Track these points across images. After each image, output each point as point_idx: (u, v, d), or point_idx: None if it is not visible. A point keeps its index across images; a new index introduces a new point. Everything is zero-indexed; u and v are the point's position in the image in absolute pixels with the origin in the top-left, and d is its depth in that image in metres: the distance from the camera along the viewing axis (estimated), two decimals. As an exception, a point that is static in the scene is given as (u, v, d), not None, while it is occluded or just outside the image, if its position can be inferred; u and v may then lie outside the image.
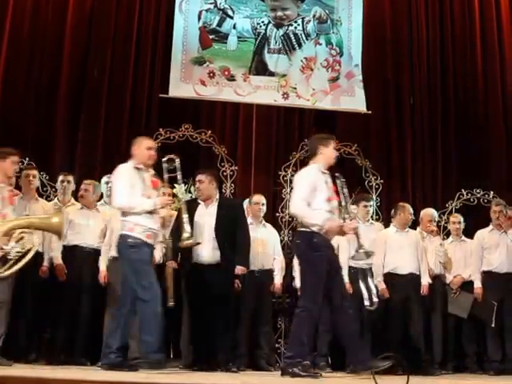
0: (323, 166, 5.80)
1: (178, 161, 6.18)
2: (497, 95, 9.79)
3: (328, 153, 5.83)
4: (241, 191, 8.62)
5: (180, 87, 9.12)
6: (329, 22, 9.67)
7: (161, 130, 8.57)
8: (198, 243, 6.24)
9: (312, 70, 9.41)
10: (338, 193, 5.92)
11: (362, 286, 7.14)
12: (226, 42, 9.42)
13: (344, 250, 6.97)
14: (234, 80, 9.25)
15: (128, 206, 5.69)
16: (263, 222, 7.53)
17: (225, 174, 8.49)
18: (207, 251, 6.40)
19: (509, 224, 7.59)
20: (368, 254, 6.04)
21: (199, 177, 6.65)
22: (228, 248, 6.45)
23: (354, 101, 9.32)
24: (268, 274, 7.32)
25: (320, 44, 9.56)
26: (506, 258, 7.44)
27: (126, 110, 9.14)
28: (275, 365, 7.39)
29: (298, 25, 9.61)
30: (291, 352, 5.44)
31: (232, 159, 8.70)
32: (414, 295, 7.16)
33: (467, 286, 7.47)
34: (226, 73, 9.25)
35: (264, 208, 7.52)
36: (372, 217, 7.88)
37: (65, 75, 9.04)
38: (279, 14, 9.62)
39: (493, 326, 7.23)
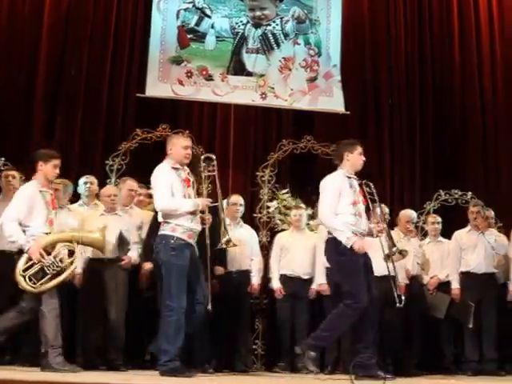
0: (349, 172, 5.95)
1: (215, 159, 6.16)
2: (475, 95, 9.83)
3: (354, 158, 5.96)
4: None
5: (157, 87, 9.06)
6: (307, 21, 9.66)
7: (138, 130, 8.51)
8: (235, 245, 6.20)
9: (290, 70, 9.39)
10: (366, 197, 6.11)
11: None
12: (204, 42, 9.39)
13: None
14: (211, 80, 9.20)
15: (170, 208, 5.60)
16: (241, 222, 7.48)
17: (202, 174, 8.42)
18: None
19: (486, 225, 7.61)
20: (403, 254, 6.10)
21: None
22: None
23: (332, 101, 9.32)
24: (245, 274, 7.27)
25: (298, 44, 9.55)
26: (484, 259, 7.45)
27: (103, 109, 9.05)
28: (252, 366, 7.36)
29: (277, 25, 9.59)
30: None
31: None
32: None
33: (444, 286, 7.47)
34: (204, 72, 9.21)
35: (242, 209, 7.47)
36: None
37: (41, 76, 8.94)
38: (258, 13, 9.59)
39: (470, 326, 7.23)
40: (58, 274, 5.61)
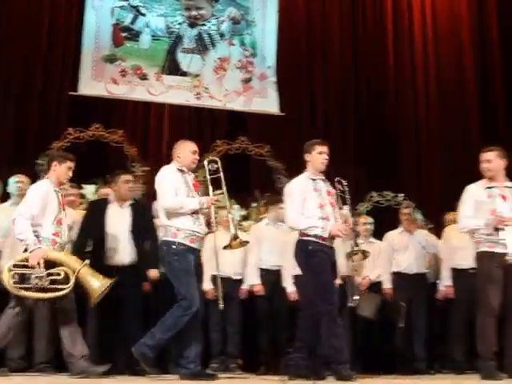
0: (313, 173, 5.83)
1: (219, 162, 5.97)
2: (408, 96, 9.98)
3: (313, 159, 5.84)
4: (152, 192, 8.47)
5: (91, 85, 8.96)
6: (243, 22, 9.67)
7: (70, 129, 8.38)
8: (247, 242, 6.03)
9: (225, 70, 9.40)
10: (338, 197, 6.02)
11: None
12: (138, 41, 9.35)
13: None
14: (146, 79, 9.15)
15: (174, 206, 5.49)
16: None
17: (136, 174, 8.34)
18: (123, 253, 6.30)
19: (415, 226, 7.72)
20: (365, 254, 6.17)
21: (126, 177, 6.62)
22: (142, 250, 6.38)
23: (267, 102, 9.36)
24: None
25: (234, 44, 9.56)
26: (415, 260, 7.54)
27: (35, 108, 8.87)
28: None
29: (213, 25, 9.58)
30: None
31: (143, 160, 8.57)
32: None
33: (375, 287, 7.54)
34: (139, 72, 9.14)
35: (179, 209, 7.41)
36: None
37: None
38: (193, 13, 9.56)
39: (401, 326, 7.32)
40: (41, 289, 5.43)
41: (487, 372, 5.69)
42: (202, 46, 9.43)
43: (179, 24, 9.49)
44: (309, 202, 5.74)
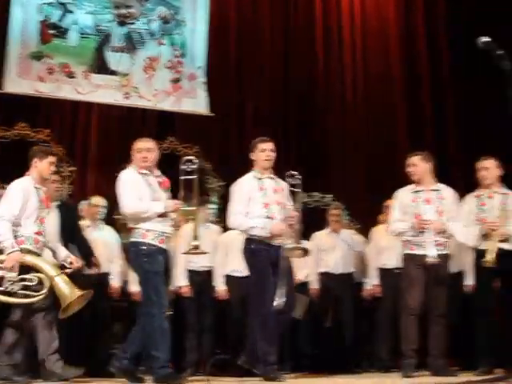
0: (258, 172, 5.89)
1: (196, 161, 5.70)
2: (336, 99, 10.06)
3: (257, 157, 5.93)
4: (79, 192, 8.38)
5: (17, 83, 8.77)
6: (173, 22, 9.62)
7: (-6, 128, 8.21)
8: (205, 253, 5.91)
9: (155, 70, 9.33)
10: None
11: None
12: (66, 38, 9.18)
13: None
14: (74, 77, 9.01)
15: (137, 211, 5.31)
16: (102, 224, 7.34)
17: (63, 174, 8.21)
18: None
19: (340, 226, 7.81)
20: (306, 252, 6.06)
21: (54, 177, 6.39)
22: (70, 251, 6.22)
23: (196, 102, 9.33)
24: (105, 277, 7.15)
25: (164, 44, 9.50)
26: (341, 259, 7.65)
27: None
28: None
29: (143, 23, 9.50)
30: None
31: (70, 159, 8.45)
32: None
33: (302, 287, 7.59)
34: (66, 69, 9.00)
35: (104, 210, 7.34)
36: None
37: None
38: (123, 11, 9.46)
39: (328, 325, 7.40)
40: (9, 294, 5.28)
41: (408, 370, 5.86)
42: (132, 44, 9.33)
43: (108, 22, 9.37)
44: (253, 201, 5.79)
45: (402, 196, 6.24)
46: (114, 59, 9.23)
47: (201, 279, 7.23)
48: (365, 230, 8.13)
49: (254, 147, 5.97)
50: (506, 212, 6.10)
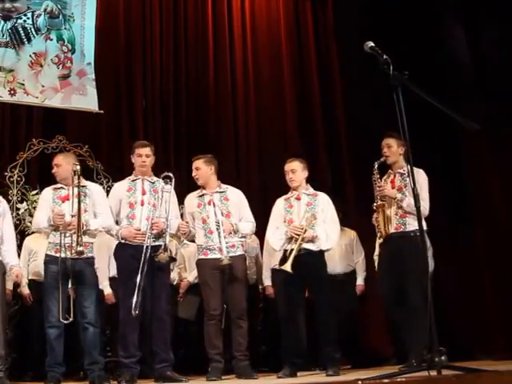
0: (135, 175, 6.11)
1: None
2: (227, 98, 10.03)
3: (134, 161, 6.16)
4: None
5: None
6: (61, 17, 9.35)
7: None
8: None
9: (42, 66, 9.04)
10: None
11: None
12: None
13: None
14: (-46, 73, 8.61)
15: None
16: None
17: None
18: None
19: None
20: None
21: None
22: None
23: (86, 100, 9.10)
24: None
25: (51, 39, 9.21)
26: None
27: None
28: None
29: (28, 18, 9.18)
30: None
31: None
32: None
33: (194, 289, 7.50)
34: None
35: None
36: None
37: None
38: (7, 5, 9.11)
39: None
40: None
41: (215, 373, 5.93)
42: (17, 40, 8.99)
43: (-8, 17, 9.01)
44: (122, 203, 5.99)
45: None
46: (-2, 54, 8.87)
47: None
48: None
49: (132, 151, 6.15)
50: (311, 213, 6.25)
